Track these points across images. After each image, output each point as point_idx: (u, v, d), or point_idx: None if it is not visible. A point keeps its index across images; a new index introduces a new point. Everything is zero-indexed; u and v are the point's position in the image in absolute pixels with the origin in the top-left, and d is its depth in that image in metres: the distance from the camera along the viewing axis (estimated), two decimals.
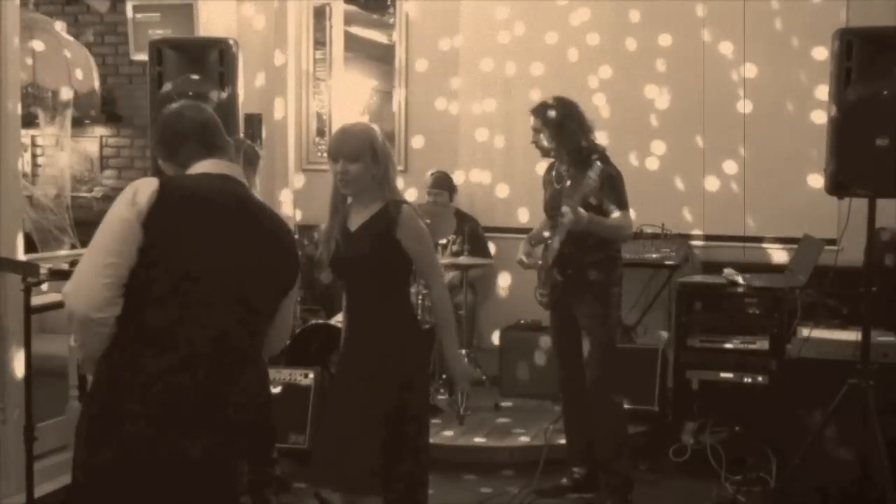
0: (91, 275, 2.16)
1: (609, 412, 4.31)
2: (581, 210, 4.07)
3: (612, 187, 4.24)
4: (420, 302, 5.42)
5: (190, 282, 2.21)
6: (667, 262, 5.59)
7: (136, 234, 2.16)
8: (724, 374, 4.90)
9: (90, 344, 2.22)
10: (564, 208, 4.12)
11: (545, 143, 4.41)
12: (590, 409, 4.44)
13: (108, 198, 8.14)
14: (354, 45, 7.09)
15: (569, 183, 4.29)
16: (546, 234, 4.50)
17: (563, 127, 4.35)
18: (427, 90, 6.57)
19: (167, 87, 4.34)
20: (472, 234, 6.02)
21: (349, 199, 3.18)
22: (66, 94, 6.10)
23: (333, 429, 3.12)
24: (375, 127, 3.20)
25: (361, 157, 3.02)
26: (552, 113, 4.38)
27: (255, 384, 4.18)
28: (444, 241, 6.06)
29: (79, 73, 6.20)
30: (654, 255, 5.57)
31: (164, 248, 2.19)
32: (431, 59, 6.53)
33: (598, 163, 4.12)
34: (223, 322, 2.24)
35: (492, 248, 6.27)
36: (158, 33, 5.69)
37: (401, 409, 3.06)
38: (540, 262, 4.48)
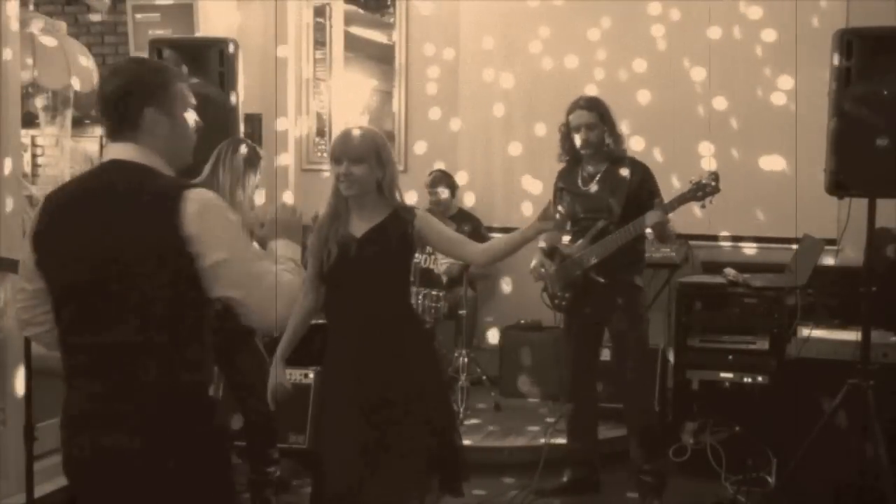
0: (12, 298, 2.21)
1: (647, 414, 4.33)
2: (671, 224, 4.07)
3: (652, 180, 4.25)
4: (420, 302, 5.41)
5: (69, 294, 2.10)
6: (667, 262, 5.59)
7: (29, 257, 2.14)
8: (724, 374, 4.89)
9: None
10: (655, 213, 4.02)
11: (595, 139, 4.27)
12: (596, 413, 4.44)
13: None
14: (354, 45, 7.09)
15: (595, 187, 4.25)
16: (566, 239, 4.41)
17: (615, 123, 4.31)
18: (427, 90, 6.57)
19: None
20: (474, 233, 6.02)
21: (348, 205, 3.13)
22: (65, 94, 6.10)
23: (356, 455, 2.98)
24: (379, 132, 3.19)
25: (366, 160, 3.01)
26: (606, 107, 4.31)
27: (261, 384, 4.19)
28: None
29: (79, 73, 6.20)
30: (654, 255, 5.57)
31: (44, 266, 2.12)
32: (431, 59, 6.54)
33: (634, 159, 4.18)
34: (110, 328, 2.06)
35: None
36: (158, 33, 5.69)
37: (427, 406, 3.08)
38: (553, 269, 4.36)
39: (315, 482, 3.46)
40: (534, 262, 4.45)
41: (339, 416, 3.08)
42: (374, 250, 3.04)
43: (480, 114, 6.45)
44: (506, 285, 6.45)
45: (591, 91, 6.00)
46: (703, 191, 4.04)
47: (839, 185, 3.86)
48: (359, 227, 3.09)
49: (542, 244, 4.45)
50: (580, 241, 4.31)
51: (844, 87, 3.80)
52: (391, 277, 3.10)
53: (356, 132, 3.12)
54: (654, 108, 6.05)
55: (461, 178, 6.40)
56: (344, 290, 3.12)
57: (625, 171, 4.18)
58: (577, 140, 4.30)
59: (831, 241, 4.59)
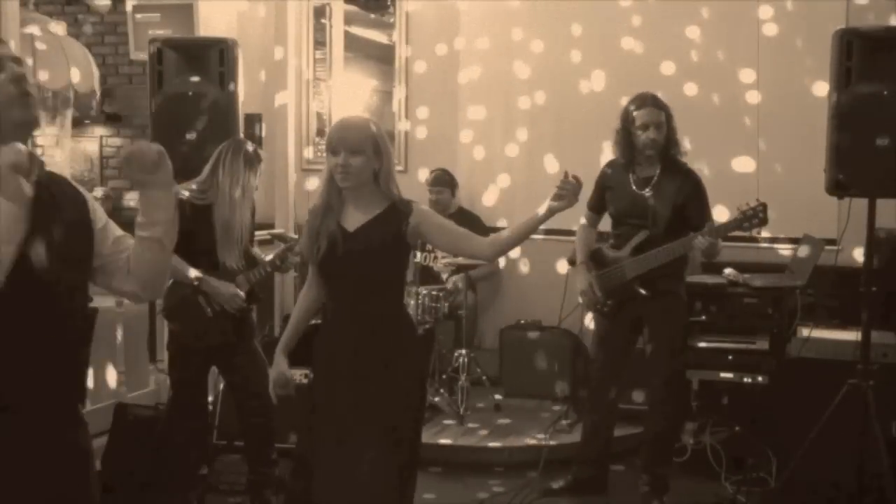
0: None
1: (668, 421, 4.32)
2: (719, 241, 3.99)
3: (704, 196, 4.18)
4: (420, 302, 5.41)
5: None
6: None
7: None
8: (724, 374, 4.89)
9: None
10: (704, 240, 3.93)
11: (662, 140, 4.14)
12: (613, 415, 4.46)
13: (108, 198, 8.15)
14: (354, 45, 7.09)
15: (648, 192, 4.17)
16: (610, 242, 4.36)
17: (675, 127, 4.21)
18: (427, 90, 6.58)
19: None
20: (474, 233, 6.01)
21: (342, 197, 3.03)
22: (65, 94, 6.11)
23: (339, 443, 2.95)
24: (376, 123, 3.07)
25: (364, 150, 2.90)
26: (668, 109, 4.20)
27: (259, 384, 4.19)
28: None
29: (79, 73, 6.21)
30: None
31: None
32: (431, 59, 6.54)
33: (689, 170, 4.13)
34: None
35: None
36: (158, 33, 5.69)
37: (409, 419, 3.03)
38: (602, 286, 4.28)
39: (295, 480, 3.44)
40: (583, 285, 4.34)
41: (325, 415, 3.02)
42: (364, 245, 2.93)
43: (480, 113, 6.45)
44: (506, 286, 6.45)
45: (591, 90, 6.06)
46: (749, 221, 3.98)
47: (839, 185, 3.86)
48: (353, 220, 2.98)
49: (580, 258, 4.38)
50: (623, 250, 4.24)
51: (844, 87, 3.80)
52: (381, 275, 2.98)
53: (354, 121, 3.04)
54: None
55: (461, 178, 6.39)
56: (333, 285, 3.03)
57: (678, 181, 4.11)
58: (642, 138, 4.15)
59: (831, 241, 4.59)
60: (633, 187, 4.24)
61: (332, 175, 2.95)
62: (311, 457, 3.02)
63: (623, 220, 4.30)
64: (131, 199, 8.20)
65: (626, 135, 4.22)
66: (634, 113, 4.19)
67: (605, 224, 4.53)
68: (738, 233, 4.11)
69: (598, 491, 4.48)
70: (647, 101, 4.19)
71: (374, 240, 2.93)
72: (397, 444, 2.94)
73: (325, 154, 3.01)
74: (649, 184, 4.20)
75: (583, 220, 4.52)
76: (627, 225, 4.27)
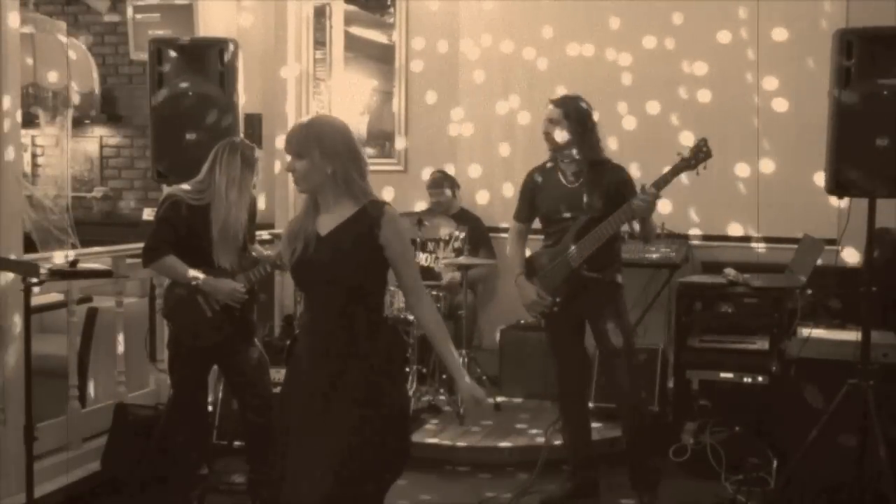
0: None
1: (643, 411, 4.33)
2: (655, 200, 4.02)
3: (632, 182, 4.24)
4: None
5: None
6: (667, 263, 5.59)
7: None
8: (724, 374, 4.89)
9: None
10: (647, 192, 3.98)
11: (558, 137, 4.25)
12: (587, 413, 4.45)
13: (108, 198, 8.15)
14: (354, 45, 7.08)
15: (577, 184, 4.23)
16: (544, 244, 4.39)
17: (588, 123, 4.26)
18: (427, 90, 6.57)
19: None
20: (475, 233, 6.03)
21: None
22: (65, 94, 6.11)
23: (305, 455, 2.79)
24: (335, 121, 2.92)
25: (306, 154, 2.77)
26: (582, 105, 4.28)
27: (260, 384, 4.19)
28: (445, 236, 6.07)
29: (79, 73, 6.21)
30: (654, 256, 5.57)
31: None
32: (431, 59, 6.54)
33: (616, 165, 4.19)
34: None
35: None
36: (158, 33, 5.69)
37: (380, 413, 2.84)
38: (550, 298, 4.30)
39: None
40: (531, 296, 4.32)
41: (296, 417, 2.88)
42: (333, 249, 2.78)
43: (481, 113, 6.45)
44: (506, 285, 6.44)
45: (595, 88, 6.05)
46: (695, 158, 4.02)
47: (839, 185, 3.86)
48: (325, 224, 2.84)
49: (518, 270, 4.41)
50: (562, 243, 4.26)
51: (844, 87, 3.80)
52: (352, 280, 2.79)
53: (298, 125, 2.89)
54: (655, 107, 6.04)
55: (461, 178, 6.39)
56: (305, 291, 2.94)
57: (605, 170, 4.20)
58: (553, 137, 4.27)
59: (831, 241, 4.59)
60: (563, 181, 4.31)
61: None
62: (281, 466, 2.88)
63: (555, 216, 4.32)
64: (132, 199, 8.22)
65: (546, 134, 4.33)
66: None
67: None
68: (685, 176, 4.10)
69: (593, 494, 4.47)
70: (553, 99, 4.34)
71: (343, 244, 2.78)
72: (364, 461, 2.76)
73: None
74: (579, 177, 4.27)
75: (512, 233, 4.57)
76: (561, 220, 4.29)
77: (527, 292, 4.36)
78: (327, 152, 2.76)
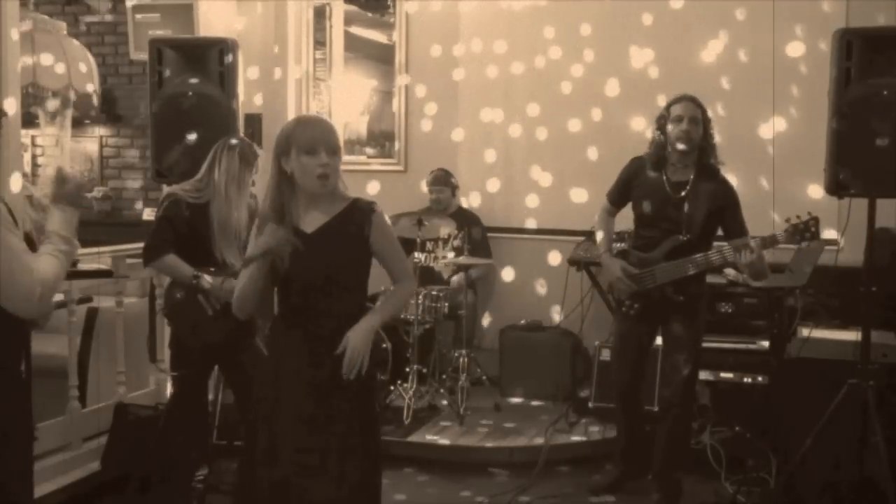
0: None
1: (687, 425, 4.32)
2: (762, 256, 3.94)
3: (738, 204, 4.11)
4: (420, 302, 5.41)
5: None
6: None
7: None
8: (724, 374, 4.89)
9: None
10: (748, 255, 3.89)
11: (696, 136, 4.09)
12: (643, 414, 4.46)
13: (108, 198, 8.15)
14: (354, 45, 7.09)
15: (683, 197, 4.11)
16: (635, 244, 4.33)
17: (711, 131, 4.17)
18: (427, 90, 6.57)
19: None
20: (474, 232, 6.03)
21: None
22: (65, 94, 6.10)
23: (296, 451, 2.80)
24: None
25: (338, 150, 2.83)
26: (706, 112, 4.16)
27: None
28: (444, 235, 6.07)
29: (79, 73, 6.21)
30: None
31: None
32: (431, 59, 6.54)
33: (724, 177, 4.10)
34: None
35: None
36: (158, 33, 5.68)
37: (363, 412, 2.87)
38: (635, 272, 4.22)
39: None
40: (616, 274, 4.23)
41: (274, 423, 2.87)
42: (325, 246, 2.79)
43: (481, 113, 6.45)
44: (505, 286, 6.44)
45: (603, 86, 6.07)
46: (801, 235, 3.94)
47: (839, 185, 3.86)
48: (311, 222, 2.84)
49: (604, 248, 4.34)
50: (653, 253, 4.19)
51: (844, 87, 3.80)
52: (343, 276, 2.83)
53: (321, 119, 2.92)
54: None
55: (461, 178, 6.39)
56: (291, 290, 2.86)
57: (713, 186, 4.08)
58: (676, 130, 4.09)
59: (831, 241, 4.58)
60: (667, 188, 4.16)
61: (286, 178, 2.79)
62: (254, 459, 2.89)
63: (654, 223, 4.22)
64: (132, 199, 8.22)
65: (660, 128, 4.19)
66: (671, 107, 4.16)
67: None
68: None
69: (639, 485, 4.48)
70: (685, 97, 4.15)
71: (334, 240, 2.81)
72: (352, 451, 2.80)
73: (278, 155, 2.81)
74: (684, 188, 4.14)
75: (602, 212, 4.46)
76: (658, 228, 4.20)
77: (613, 269, 4.27)
78: (340, 149, 2.84)
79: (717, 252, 4.06)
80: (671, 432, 4.26)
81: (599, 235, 4.45)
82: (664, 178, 4.18)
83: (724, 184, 4.15)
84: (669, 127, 4.13)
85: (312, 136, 2.78)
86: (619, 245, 4.63)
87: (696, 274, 4.14)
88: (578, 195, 6.14)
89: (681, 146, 4.10)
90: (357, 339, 2.77)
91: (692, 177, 4.14)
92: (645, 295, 4.21)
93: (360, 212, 2.84)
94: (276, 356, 2.92)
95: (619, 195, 4.37)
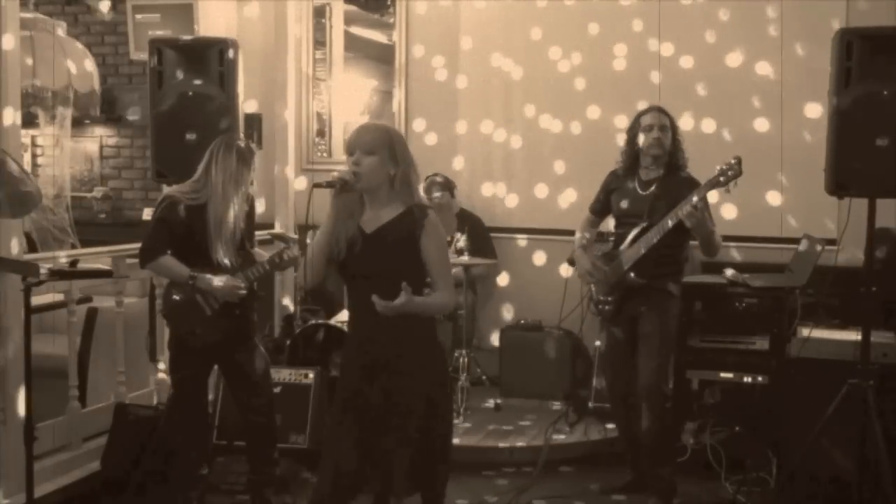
0: None
1: (664, 417, 4.32)
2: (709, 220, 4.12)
3: (706, 202, 4.24)
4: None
5: None
6: None
7: None
8: (724, 374, 4.89)
9: None
10: (693, 202, 4.04)
11: (666, 142, 4.34)
12: (638, 414, 4.44)
13: (108, 198, 8.15)
14: (354, 45, 7.09)
15: (651, 191, 4.31)
16: (611, 241, 4.51)
17: (679, 135, 4.41)
18: (427, 90, 6.57)
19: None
20: (475, 233, 6.02)
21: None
22: (65, 94, 6.10)
23: (357, 439, 3.03)
24: (398, 131, 3.21)
25: (377, 152, 2.98)
26: (675, 120, 4.42)
27: (263, 385, 4.19)
28: (447, 237, 6.07)
29: (79, 74, 6.21)
30: None
31: None
32: (432, 59, 6.54)
33: (690, 178, 4.27)
34: None
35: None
36: (158, 33, 5.69)
37: (431, 409, 3.05)
38: (605, 269, 4.39)
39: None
40: (585, 266, 4.49)
41: (341, 409, 3.11)
42: (381, 246, 3.00)
43: (481, 113, 6.45)
44: (505, 286, 6.44)
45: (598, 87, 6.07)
46: (725, 175, 4.07)
47: (839, 185, 3.86)
48: (370, 223, 3.05)
49: (577, 248, 4.57)
50: (622, 245, 4.35)
51: (844, 88, 3.80)
52: (398, 276, 2.97)
53: (371, 125, 3.18)
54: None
55: (461, 178, 6.39)
56: (354, 287, 3.11)
57: (678, 181, 4.27)
58: (647, 138, 4.33)
59: (831, 241, 4.59)
60: (637, 188, 4.40)
61: (348, 181, 3.00)
62: (332, 454, 3.07)
63: (623, 219, 4.42)
64: (132, 198, 8.21)
65: (632, 139, 4.43)
66: (641, 118, 4.40)
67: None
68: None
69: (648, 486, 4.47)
70: (653, 107, 4.45)
71: (389, 241, 3.01)
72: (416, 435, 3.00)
73: (326, 155, 3.05)
74: (653, 184, 4.35)
75: (583, 221, 4.68)
76: (628, 224, 4.38)
77: (583, 263, 4.53)
78: (395, 155, 3.01)
79: (665, 217, 4.18)
80: (649, 430, 4.28)
81: (577, 235, 4.67)
82: (637, 179, 4.42)
83: (690, 177, 4.34)
84: (641, 136, 4.37)
85: (351, 139, 3.05)
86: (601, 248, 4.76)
87: (664, 270, 4.28)
88: (579, 195, 6.13)
89: (654, 151, 4.34)
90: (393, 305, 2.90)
91: (661, 175, 4.36)
92: (615, 287, 4.35)
93: (415, 216, 3.02)
94: (347, 361, 3.21)
95: (600, 205, 4.61)
